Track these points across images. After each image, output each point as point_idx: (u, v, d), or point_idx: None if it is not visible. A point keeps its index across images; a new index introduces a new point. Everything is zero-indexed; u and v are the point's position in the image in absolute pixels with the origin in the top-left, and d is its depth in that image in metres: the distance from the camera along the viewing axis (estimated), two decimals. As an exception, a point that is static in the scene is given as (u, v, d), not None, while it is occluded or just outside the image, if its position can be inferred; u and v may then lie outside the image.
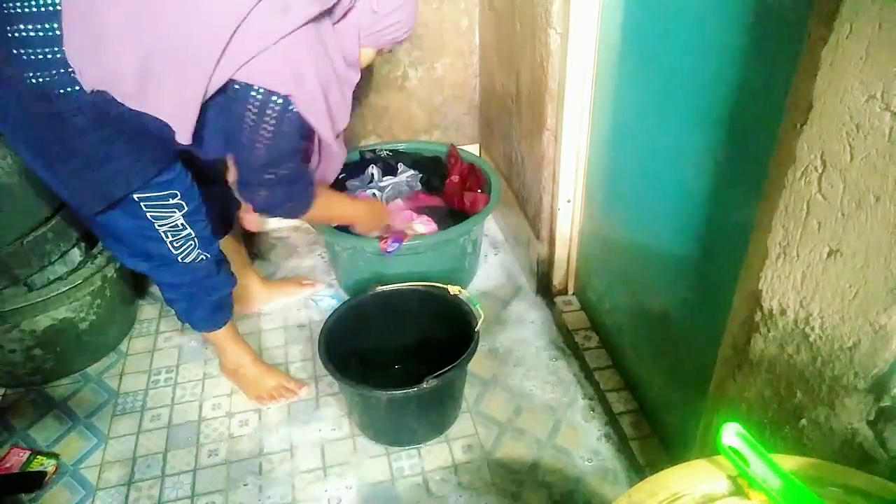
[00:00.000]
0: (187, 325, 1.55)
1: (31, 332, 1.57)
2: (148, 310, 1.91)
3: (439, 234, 1.72)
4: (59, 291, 1.55)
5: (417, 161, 1.98)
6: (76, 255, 1.69)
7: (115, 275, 1.71)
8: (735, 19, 0.92)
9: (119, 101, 1.04)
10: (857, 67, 0.61)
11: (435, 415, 1.46)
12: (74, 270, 1.64)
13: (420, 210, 1.81)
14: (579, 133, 1.51)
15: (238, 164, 1.16)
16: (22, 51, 0.99)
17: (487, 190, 1.84)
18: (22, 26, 0.98)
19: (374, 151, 1.99)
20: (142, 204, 1.22)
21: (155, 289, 1.99)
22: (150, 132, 1.09)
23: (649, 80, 1.21)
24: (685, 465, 0.68)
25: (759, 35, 0.89)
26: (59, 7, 0.98)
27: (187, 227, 1.30)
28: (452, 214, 1.82)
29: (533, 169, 1.71)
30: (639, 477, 1.36)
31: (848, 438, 0.73)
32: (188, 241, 1.32)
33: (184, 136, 1.07)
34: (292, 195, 1.24)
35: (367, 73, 2.00)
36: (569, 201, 1.62)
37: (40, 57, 1.00)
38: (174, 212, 1.26)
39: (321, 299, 1.91)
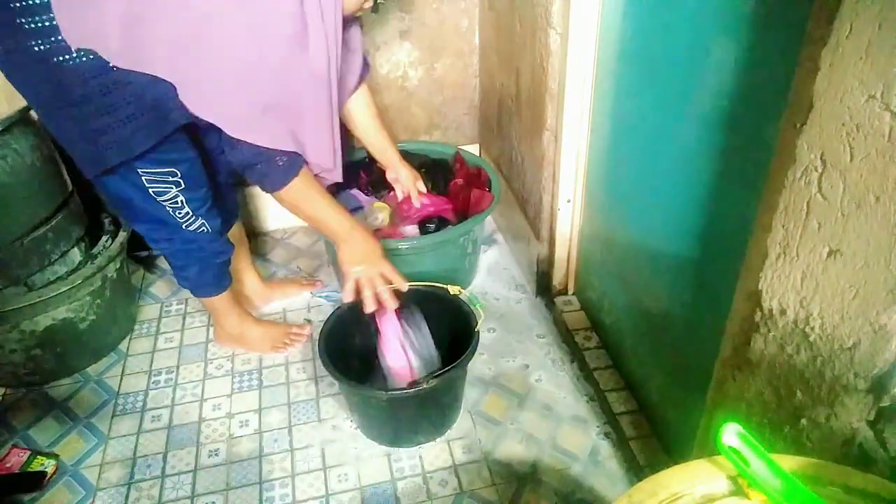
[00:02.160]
0: (194, 297, 1.64)
1: (31, 332, 1.57)
2: (148, 310, 1.91)
3: (439, 233, 1.72)
4: (59, 291, 1.55)
5: (424, 163, 1.98)
6: (76, 255, 1.69)
7: (114, 275, 1.71)
8: (735, 19, 0.92)
9: (107, 59, 1.07)
10: (857, 67, 0.61)
11: (435, 415, 1.46)
12: (74, 270, 1.64)
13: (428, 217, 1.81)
14: (579, 133, 1.51)
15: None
16: (25, 20, 1.03)
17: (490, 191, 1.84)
18: None
19: None
20: (143, 178, 1.28)
21: (155, 289, 1.99)
22: (149, 100, 1.13)
23: (649, 79, 1.21)
24: (685, 465, 0.68)
25: (759, 35, 0.89)
26: None
27: (185, 205, 1.36)
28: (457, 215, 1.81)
29: (533, 169, 1.71)
30: (639, 477, 1.36)
31: (848, 438, 0.73)
32: (187, 216, 1.39)
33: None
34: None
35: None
36: (569, 201, 1.62)
37: (40, 25, 1.04)
38: (171, 188, 1.32)
39: (329, 294, 1.92)
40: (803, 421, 0.78)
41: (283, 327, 1.78)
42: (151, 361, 1.75)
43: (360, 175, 1.95)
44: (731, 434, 0.65)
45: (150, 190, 1.30)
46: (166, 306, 1.92)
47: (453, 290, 1.51)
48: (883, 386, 0.67)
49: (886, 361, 0.66)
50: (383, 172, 1.81)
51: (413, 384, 1.34)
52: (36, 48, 1.05)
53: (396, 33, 1.96)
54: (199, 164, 1.36)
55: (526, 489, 1.38)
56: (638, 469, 1.37)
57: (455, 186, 1.88)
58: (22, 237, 1.53)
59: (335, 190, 1.92)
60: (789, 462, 0.65)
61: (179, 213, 1.37)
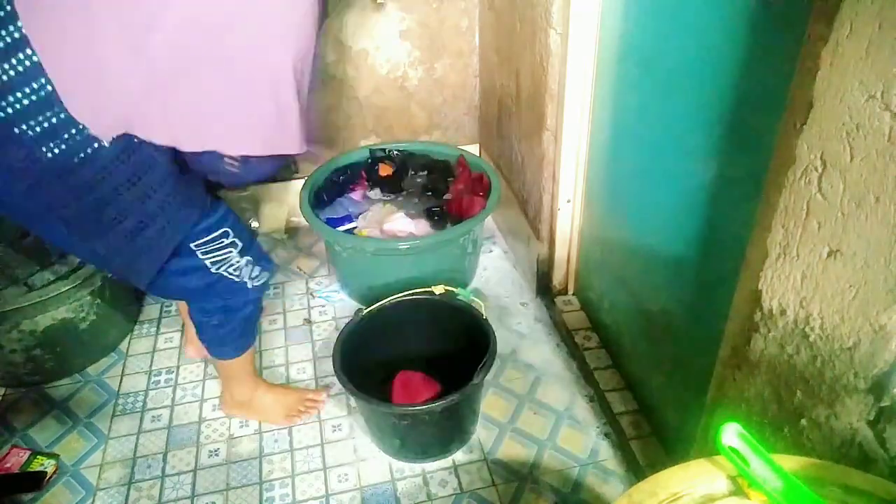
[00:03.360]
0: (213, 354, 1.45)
1: (31, 332, 1.57)
2: (148, 310, 1.91)
3: (439, 234, 1.72)
4: (59, 291, 1.55)
5: (426, 164, 1.97)
6: (76, 255, 1.69)
7: (115, 275, 1.71)
8: (735, 19, 0.92)
9: (146, 139, 0.94)
10: (857, 67, 0.61)
11: (455, 428, 1.43)
12: (74, 270, 1.64)
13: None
14: (579, 133, 1.51)
15: None
16: (25, 126, 0.88)
17: (489, 197, 1.83)
18: (12, 98, 0.86)
19: (384, 150, 1.98)
20: (198, 252, 1.17)
21: (155, 289, 1.99)
22: (184, 170, 1.03)
23: (649, 80, 1.21)
24: (685, 465, 0.68)
25: (759, 35, 0.89)
26: (37, 58, 0.85)
27: (244, 256, 1.24)
28: (452, 219, 1.81)
29: (533, 169, 1.71)
30: (639, 477, 1.36)
31: (848, 438, 0.73)
32: (248, 266, 1.26)
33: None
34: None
35: (368, 73, 2.00)
36: (569, 201, 1.62)
37: (45, 125, 0.88)
38: (230, 251, 1.21)
39: (329, 295, 1.92)
40: (803, 421, 0.78)
41: (298, 393, 1.59)
42: (151, 361, 1.74)
43: (360, 175, 1.95)
44: (731, 434, 0.65)
45: (206, 261, 1.18)
46: (166, 306, 1.92)
47: (437, 289, 1.50)
48: (883, 386, 0.67)
49: (886, 361, 0.66)
50: (383, 173, 1.82)
51: (427, 401, 1.32)
52: (49, 154, 0.91)
53: (396, 33, 1.96)
54: (233, 211, 1.25)
55: (526, 489, 1.38)
56: (638, 469, 1.37)
57: (455, 191, 1.88)
58: (22, 237, 1.54)
59: (335, 191, 1.93)
60: (789, 462, 0.65)
61: (237, 274, 1.24)
